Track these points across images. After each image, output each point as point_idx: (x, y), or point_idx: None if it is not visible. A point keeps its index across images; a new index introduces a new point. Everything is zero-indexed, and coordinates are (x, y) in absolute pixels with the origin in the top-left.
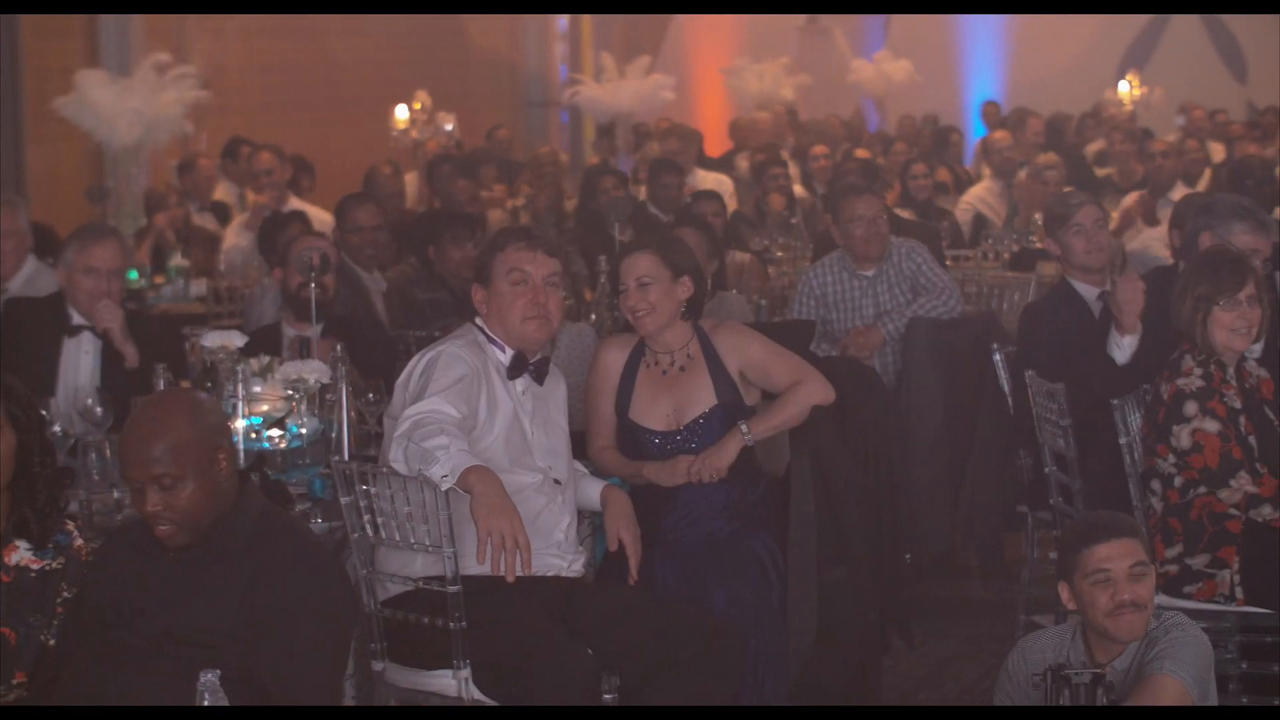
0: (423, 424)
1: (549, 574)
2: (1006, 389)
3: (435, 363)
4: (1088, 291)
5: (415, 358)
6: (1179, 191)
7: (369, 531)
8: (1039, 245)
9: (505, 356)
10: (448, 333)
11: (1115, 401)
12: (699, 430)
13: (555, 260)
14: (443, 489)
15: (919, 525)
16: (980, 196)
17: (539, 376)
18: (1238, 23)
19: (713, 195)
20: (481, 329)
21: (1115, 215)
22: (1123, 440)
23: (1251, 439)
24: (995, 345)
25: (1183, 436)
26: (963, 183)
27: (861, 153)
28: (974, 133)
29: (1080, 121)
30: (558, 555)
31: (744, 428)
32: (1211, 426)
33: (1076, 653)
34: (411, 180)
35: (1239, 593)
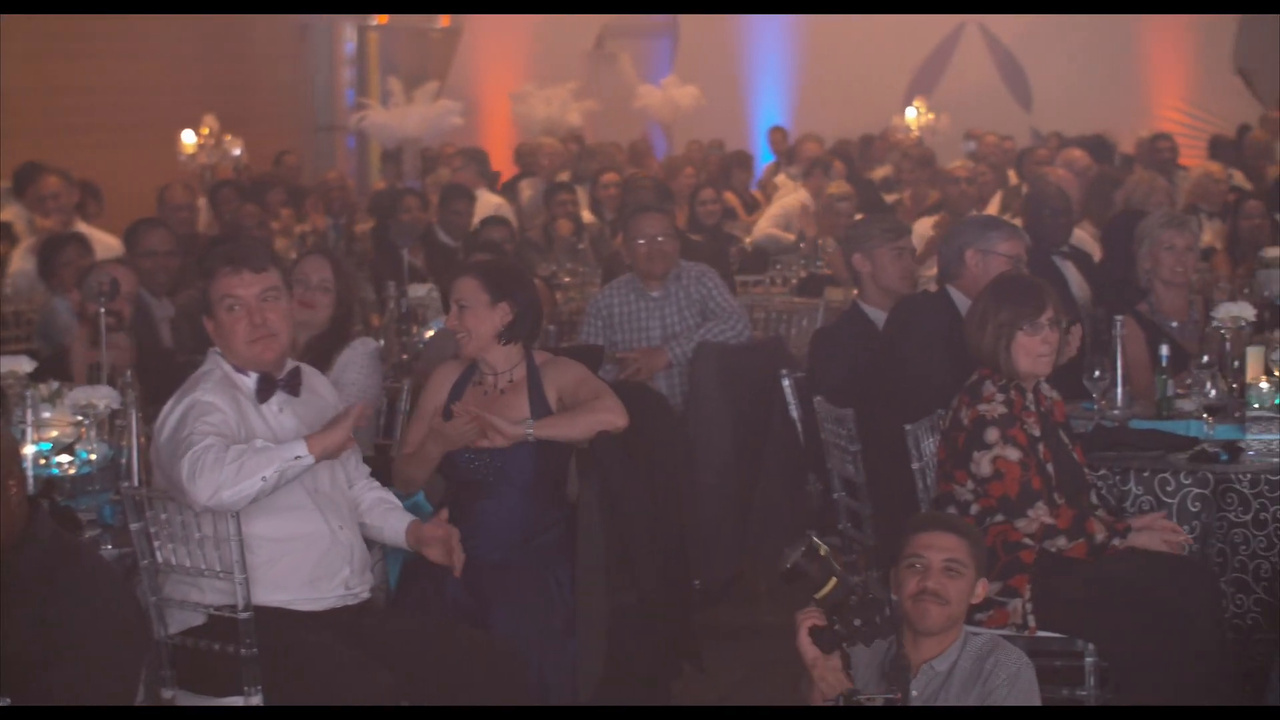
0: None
1: (338, 606)
2: (795, 415)
3: (188, 417)
4: (878, 316)
5: (167, 408)
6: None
7: (158, 558)
8: (827, 271)
9: (250, 381)
10: None
11: (908, 426)
12: (511, 454)
13: (268, 273)
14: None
15: (708, 550)
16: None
17: (293, 389)
18: (1023, 50)
19: (502, 221)
20: (221, 360)
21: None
22: (915, 465)
23: (1050, 466)
24: (784, 371)
25: (983, 464)
26: (750, 208)
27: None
28: (761, 158)
29: (865, 146)
30: (344, 590)
31: (530, 422)
32: (1013, 455)
33: (892, 651)
34: (205, 205)
35: (1031, 621)
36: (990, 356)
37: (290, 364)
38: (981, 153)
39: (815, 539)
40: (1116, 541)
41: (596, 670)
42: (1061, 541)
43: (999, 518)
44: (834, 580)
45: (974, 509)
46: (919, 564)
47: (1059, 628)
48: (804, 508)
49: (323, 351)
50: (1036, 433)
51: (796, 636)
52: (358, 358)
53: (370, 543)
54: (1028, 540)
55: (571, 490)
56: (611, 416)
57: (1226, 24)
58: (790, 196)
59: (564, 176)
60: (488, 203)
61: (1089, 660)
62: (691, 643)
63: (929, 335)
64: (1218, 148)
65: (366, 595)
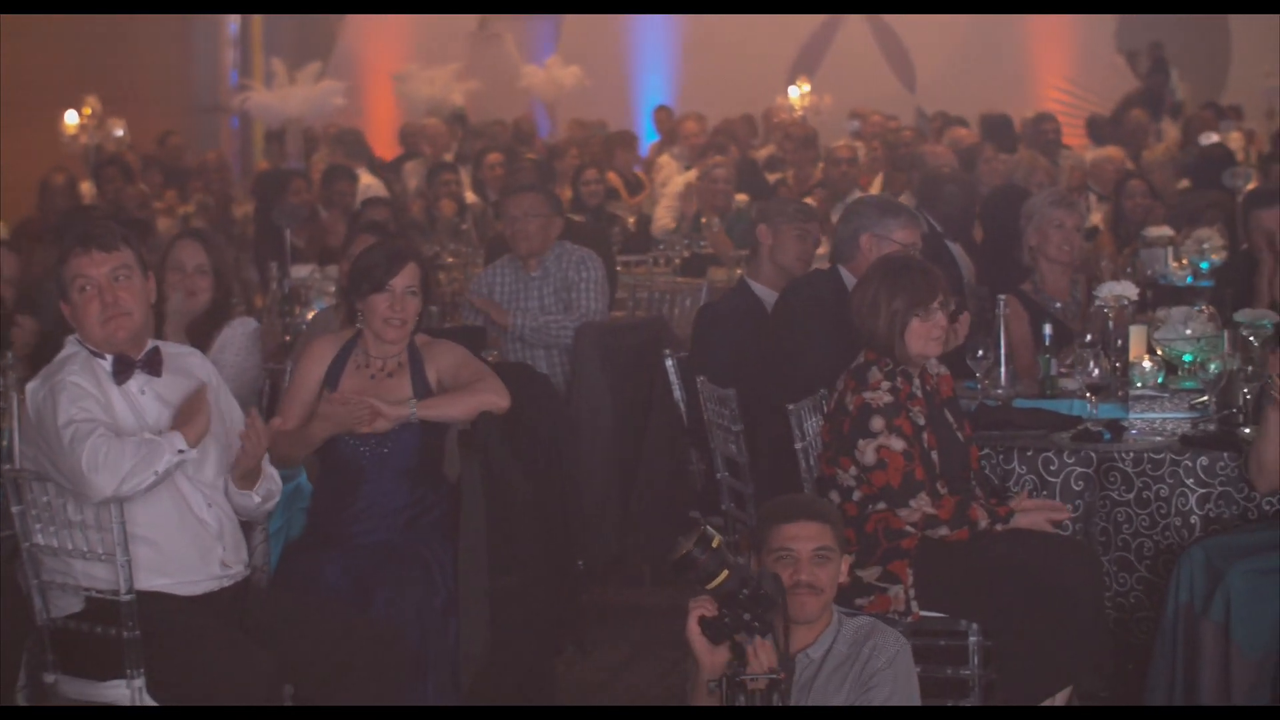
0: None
1: (215, 589)
2: (678, 395)
3: (61, 401)
4: (766, 294)
5: (32, 388)
6: (854, 195)
7: (40, 540)
8: (709, 250)
9: (107, 363)
10: None
11: (791, 406)
12: (393, 436)
13: (119, 253)
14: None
15: (590, 531)
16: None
17: (153, 369)
18: (906, 30)
19: (383, 201)
20: (81, 343)
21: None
22: (798, 445)
23: (934, 454)
24: (667, 350)
25: (867, 452)
26: (634, 188)
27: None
28: (646, 137)
29: (747, 125)
30: (221, 570)
31: (414, 402)
32: (897, 445)
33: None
34: (89, 189)
35: (914, 607)
36: (884, 342)
37: (150, 344)
38: (865, 132)
39: (708, 528)
40: (999, 527)
41: (479, 651)
42: (944, 530)
43: (881, 505)
44: (726, 572)
45: (856, 495)
46: (788, 556)
47: (942, 608)
48: (687, 488)
49: (203, 332)
50: (921, 421)
51: (686, 624)
52: (236, 337)
53: (250, 525)
54: (909, 528)
55: (452, 471)
56: (494, 397)
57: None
58: (679, 183)
59: (448, 157)
60: (363, 183)
61: (973, 640)
62: (575, 623)
63: (818, 314)
64: (1095, 127)
65: (244, 572)
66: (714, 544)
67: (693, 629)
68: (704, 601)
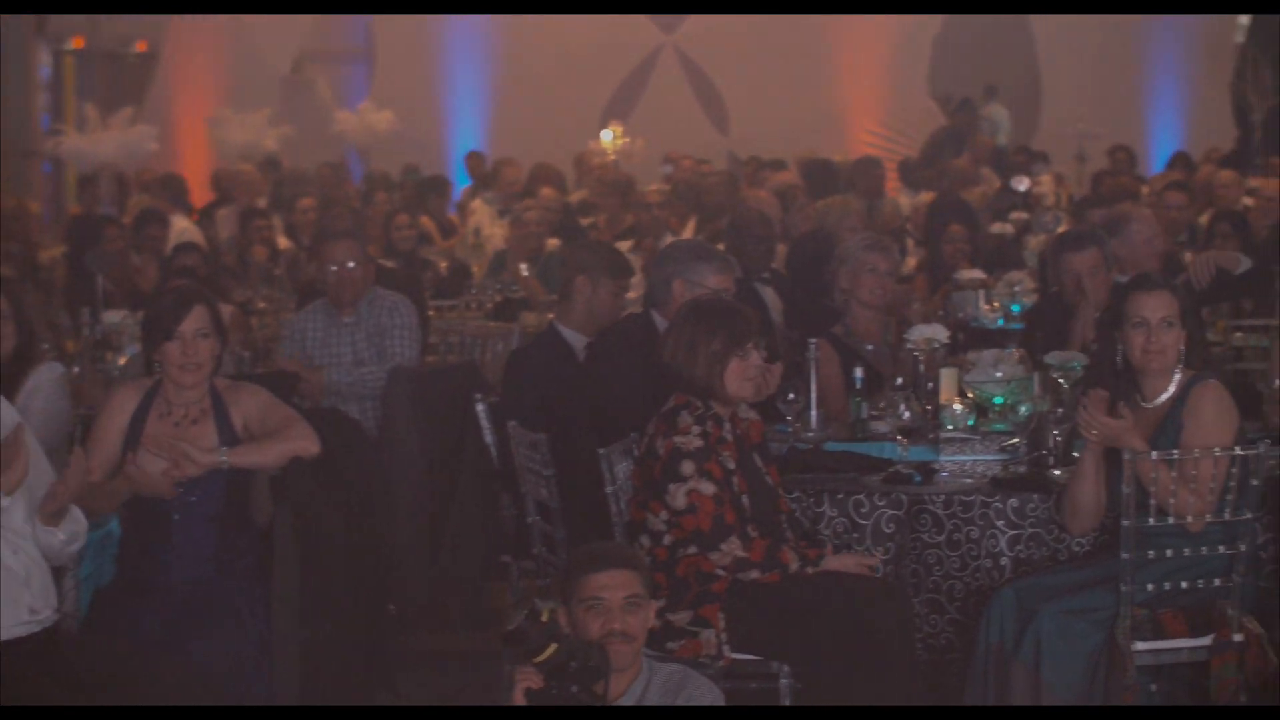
0: None
1: (22, 634)
2: (489, 439)
3: None
4: (576, 339)
5: None
6: (668, 240)
7: None
8: (521, 295)
9: None
10: None
11: (601, 450)
12: (201, 483)
13: None
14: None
15: (402, 576)
16: None
17: None
18: (719, 73)
19: (194, 247)
20: None
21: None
22: (608, 489)
23: (745, 498)
24: (478, 395)
25: (678, 496)
26: (447, 232)
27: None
28: (459, 183)
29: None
30: (29, 615)
31: (224, 450)
32: (707, 489)
33: None
34: None
35: (725, 650)
36: (703, 384)
37: None
38: (677, 176)
39: (538, 601)
40: (809, 570)
41: (292, 698)
42: (755, 574)
43: (692, 549)
44: (555, 645)
45: (667, 539)
46: (599, 605)
47: (754, 650)
48: (498, 532)
49: (7, 379)
50: (732, 465)
51: (512, 694)
52: (44, 383)
53: (60, 570)
54: (720, 571)
55: (263, 516)
56: (304, 443)
57: (921, 47)
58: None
59: (261, 202)
60: (176, 228)
61: (784, 682)
62: (387, 668)
63: (629, 358)
64: (907, 170)
65: (53, 618)
66: (543, 617)
67: (518, 700)
68: (530, 673)
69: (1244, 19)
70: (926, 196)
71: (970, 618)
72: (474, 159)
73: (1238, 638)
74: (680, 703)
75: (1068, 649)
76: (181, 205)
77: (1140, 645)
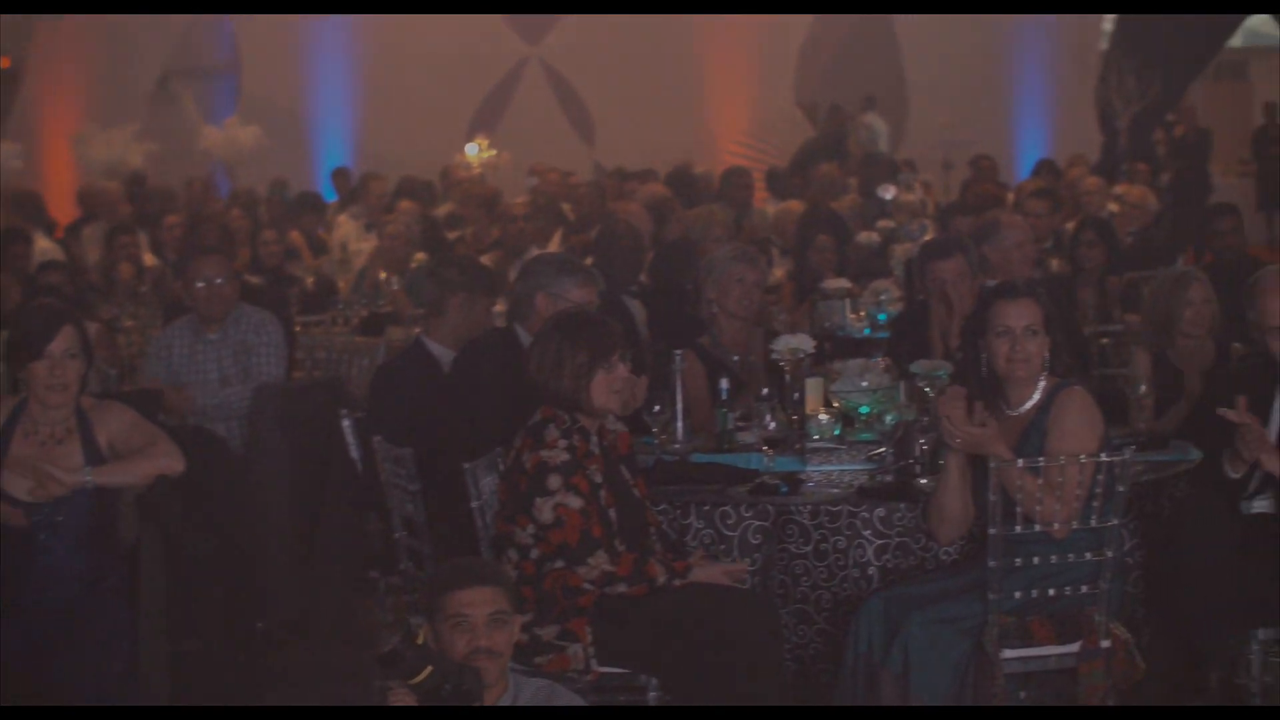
0: None
1: None
2: (355, 454)
3: None
4: (443, 353)
5: None
6: (532, 253)
7: None
8: (388, 309)
9: None
10: None
11: (466, 465)
12: (66, 502)
13: None
14: None
15: (269, 592)
16: None
17: None
18: (585, 85)
19: (59, 265)
20: None
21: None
22: (473, 504)
23: (612, 511)
24: (344, 411)
25: (545, 510)
26: (318, 249)
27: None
28: (327, 197)
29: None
30: None
31: (88, 469)
32: (574, 503)
33: None
34: None
35: (593, 664)
36: (569, 397)
37: None
38: (542, 188)
39: (413, 621)
40: (677, 582)
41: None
42: (622, 587)
43: (559, 563)
44: (430, 668)
45: (534, 553)
46: (465, 622)
47: (621, 664)
48: (365, 548)
49: None
50: (599, 479)
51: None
52: None
53: None
54: (587, 585)
55: (129, 534)
56: (169, 461)
57: (787, 56)
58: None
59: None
60: (40, 247)
61: (652, 695)
62: (256, 685)
63: (493, 373)
64: (774, 180)
65: None
66: (419, 640)
67: None
68: (403, 694)
69: (1108, 25)
70: (793, 205)
71: (838, 628)
72: (340, 175)
73: (1105, 644)
74: None
75: (936, 657)
76: (39, 223)
77: (1008, 653)
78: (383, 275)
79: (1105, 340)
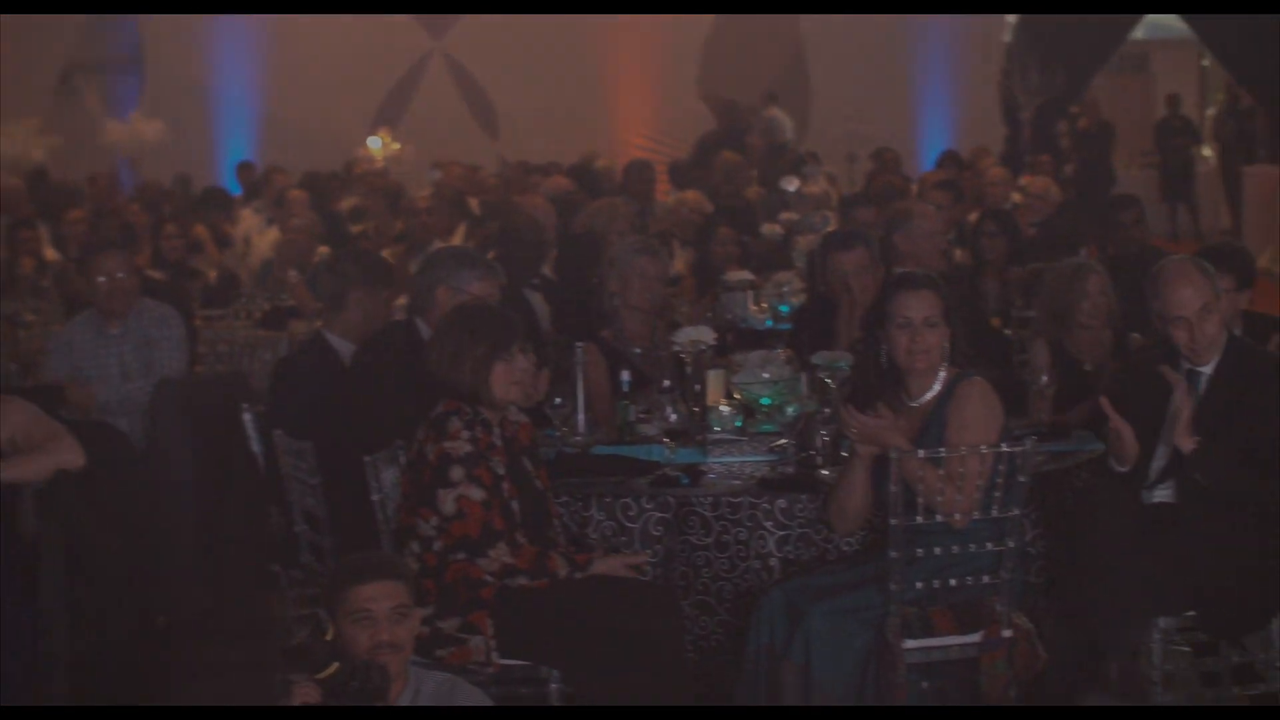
0: None
1: None
2: (256, 448)
3: None
4: (344, 347)
5: None
6: (434, 247)
7: None
8: (291, 303)
9: None
10: None
11: (367, 458)
12: None
13: None
14: None
15: (172, 588)
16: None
17: None
18: (489, 78)
19: None
20: None
21: None
22: (374, 497)
23: (514, 503)
24: (245, 405)
25: (447, 501)
26: (223, 243)
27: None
28: (232, 191)
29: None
30: None
31: None
32: (476, 494)
33: None
34: None
35: (494, 657)
36: (469, 390)
37: None
38: (446, 182)
39: (322, 615)
40: (578, 575)
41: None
42: (523, 580)
43: (461, 555)
44: (336, 665)
45: (436, 545)
46: (368, 617)
47: (523, 656)
48: (267, 542)
49: None
50: (501, 470)
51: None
52: None
53: None
54: (489, 578)
55: (28, 531)
56: (69, 455)
57: (691, 49)
58: (263, 242)
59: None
60: None
61: (554, 687)
62: (159, 680)
63: (394, 366)
64: (677, 173)
65: None
66: (327, 635)
67: None
68: (309, 689)
69: (1011, 18)
70: (689, 196)
71: (740, 619)
72: (244, 169)
73: (1007, 634)
74: None
75: (838, 648)
76: None
77: (910, 643)
78: (288, 271)
79: (1008, 332)
